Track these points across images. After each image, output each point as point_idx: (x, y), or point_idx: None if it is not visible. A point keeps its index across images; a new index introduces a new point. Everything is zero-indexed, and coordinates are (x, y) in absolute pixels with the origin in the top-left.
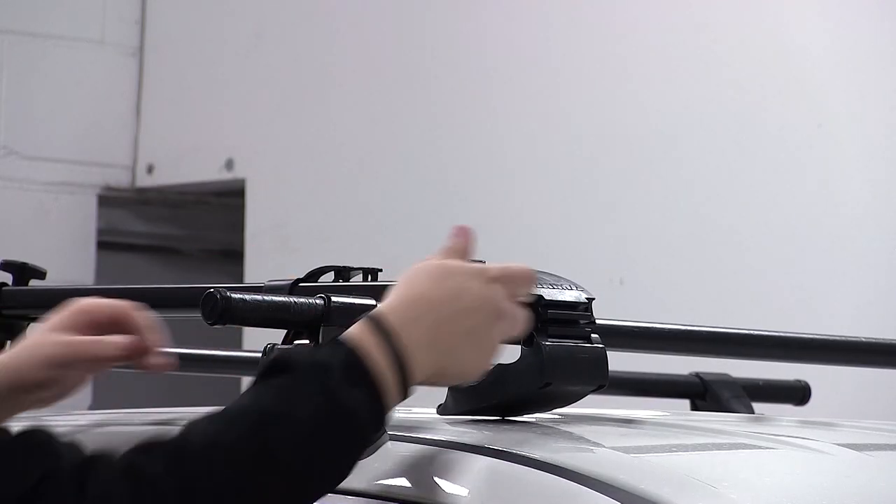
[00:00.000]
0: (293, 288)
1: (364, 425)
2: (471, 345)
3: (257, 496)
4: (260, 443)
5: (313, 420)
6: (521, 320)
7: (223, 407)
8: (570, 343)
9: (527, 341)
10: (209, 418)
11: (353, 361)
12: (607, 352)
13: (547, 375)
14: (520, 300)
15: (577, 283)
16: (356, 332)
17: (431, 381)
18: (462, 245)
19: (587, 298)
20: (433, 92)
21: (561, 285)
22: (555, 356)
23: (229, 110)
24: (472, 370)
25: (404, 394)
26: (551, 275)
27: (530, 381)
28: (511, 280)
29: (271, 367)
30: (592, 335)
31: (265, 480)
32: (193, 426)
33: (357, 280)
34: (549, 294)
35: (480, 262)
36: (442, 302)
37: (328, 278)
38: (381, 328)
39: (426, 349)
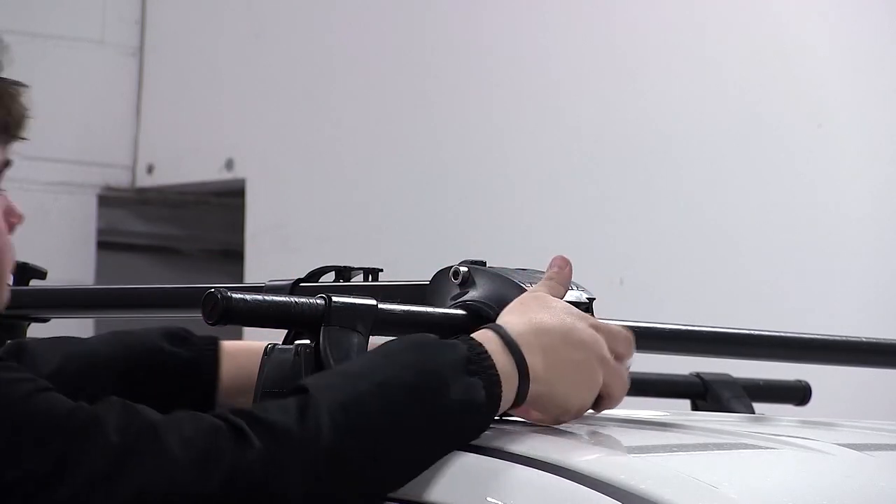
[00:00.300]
0: (294, 288)
1: (478, 418)
2: (577, 378)
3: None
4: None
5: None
6: (623, 378)
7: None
8: None
9: None
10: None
11: (481, 355)
12: None
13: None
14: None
15: (578, 283)
16: (483, 335)
17: (536, 405)
18: (565, 277)
19: (588, 298)
20: (433, 92)
21: None
22: None
23: (229, 110)
24: (575, 404)
25: (516, 401)
26: None
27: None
28: (613, 336)
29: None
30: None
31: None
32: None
33: (357, 280)
34: None
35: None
36: (556, 330)
37: (329, 278)
38: (505, 337)
39: (540, 368)
